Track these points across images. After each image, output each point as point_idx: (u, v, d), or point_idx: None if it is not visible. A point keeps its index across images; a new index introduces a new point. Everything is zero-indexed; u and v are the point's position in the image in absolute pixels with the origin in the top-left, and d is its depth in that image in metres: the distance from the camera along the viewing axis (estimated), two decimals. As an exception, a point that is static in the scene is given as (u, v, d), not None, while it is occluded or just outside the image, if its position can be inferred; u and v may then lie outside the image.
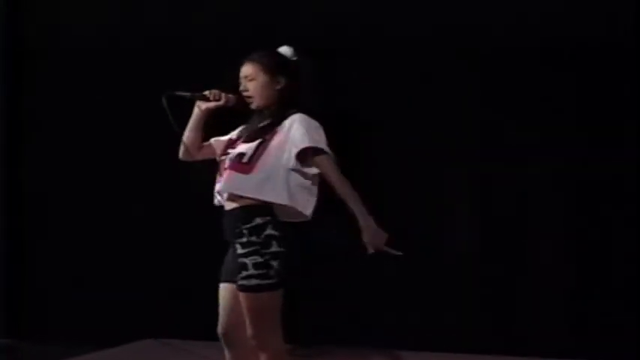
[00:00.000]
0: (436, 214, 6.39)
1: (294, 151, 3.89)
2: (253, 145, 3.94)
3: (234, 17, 6.73)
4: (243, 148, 3.97)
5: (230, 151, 4.05)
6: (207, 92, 4.21)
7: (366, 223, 3.83)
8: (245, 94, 4.09)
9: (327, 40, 6.39)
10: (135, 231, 6.88)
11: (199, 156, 4.28)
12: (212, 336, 6.63)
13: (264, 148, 3.93)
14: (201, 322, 6.72)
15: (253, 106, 4.09)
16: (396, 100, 6.37)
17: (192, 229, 6.73)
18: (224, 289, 4.12)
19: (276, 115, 4.01)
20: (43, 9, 7.15)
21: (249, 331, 3.97)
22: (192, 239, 6.74)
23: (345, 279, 6.26)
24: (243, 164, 3.93)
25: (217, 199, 4.12)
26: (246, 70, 4.08)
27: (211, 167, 4.27)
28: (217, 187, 4.07)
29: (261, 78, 4.05)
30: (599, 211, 6.13)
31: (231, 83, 4.22)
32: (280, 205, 3.90)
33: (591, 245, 6.16)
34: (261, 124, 4.02)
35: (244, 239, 3.90)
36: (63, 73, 7.07)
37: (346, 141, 4.61)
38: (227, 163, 4.01)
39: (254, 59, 4.08)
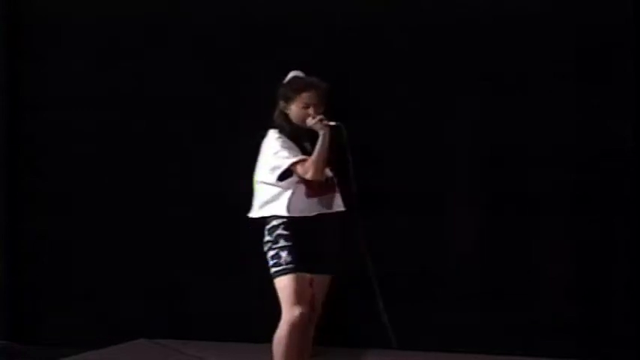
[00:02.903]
0: (436, 213, 6.40)
1: None
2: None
3: (233, 14, 6.75)
4: (329, 172, 4.71)
5: None
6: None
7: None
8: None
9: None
10: (128, 232, 6.89)
11: None
12: (204, 336, 6.69)
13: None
14: (193, 322, 6.75)
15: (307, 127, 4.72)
16: (395, 97, 6.38)
17: (186, 229, 6.77)
18: (305, 279, 4.68)
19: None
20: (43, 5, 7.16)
21: (319, 308, 4.79)
22: (185, 240, 6.78)
23: (346, 279, 6.24)
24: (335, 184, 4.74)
25: (316, 211, 4.67)
26: (320, 97, 4.70)
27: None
28: (320, 200, 4.68)
29: (323, 107, 4.72)
30: (600, 211, 6.14)
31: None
32: None
33: (592, 245, 6.17)
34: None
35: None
36: (64, 71, 7.07)
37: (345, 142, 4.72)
38: (328, 182, 4.69)
39: (325, 90, 4.74)
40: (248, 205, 4.86)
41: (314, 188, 4.66)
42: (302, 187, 4.65)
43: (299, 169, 4.62)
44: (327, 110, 4.72)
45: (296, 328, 4.60)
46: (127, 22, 6.92)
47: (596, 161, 6.14)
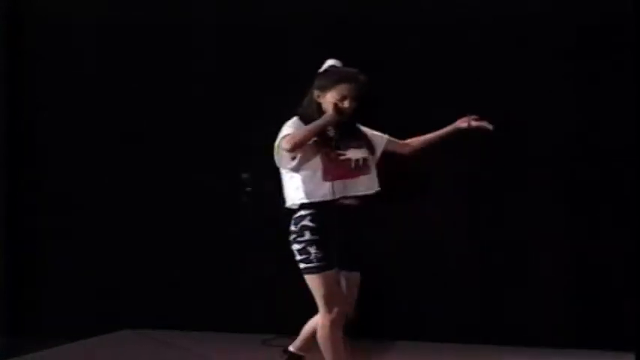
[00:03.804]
0: (437, 210, 6.41)
1: (385, 138, 4.82)
2: (363, 150, 4.61)
3: (233, 14, 6.78)
4: (362, 153, 4.60)
5: (346, 154, 4.56)
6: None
7: None
8: (349, 112, 4.56)
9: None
10: (114, 223, 6.95)
11: None
12: (188, 326, 6.67)
13: (367, 152, 4.65)
14: (177, 312, 6.77)
15: (343, 119, 4.57)
16: (393, 97, 6.37)
17: (170, 221, 6.82)
18: (337, 274, 4.57)
19: (353, 127, 4.68)
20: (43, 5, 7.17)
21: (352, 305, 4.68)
22: (169, 230, 6.83)
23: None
24: (371, 166, 4.64)
25: (340, 193, 4.55)
26: (355, 90, 4.57)
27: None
28: (347, 183, 4.56)
29: (359, 99, 4.59)
30: (597, 208, 6.18)
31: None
32: None
33: (591, 243, 6.20)
34: (352, 135, 4.63)
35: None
36: (64, 71, 7.10)
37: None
38: (352, 165, 4.56)
39: (363, 82, 4.59)
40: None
41: (333, 170, 4.53)
42: (319, 171, 4.52)
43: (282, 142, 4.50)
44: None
45: (336, 326, 4.54)
46: (127, 22, 6.93)
47: (596, 161, 6.16)
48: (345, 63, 4.65)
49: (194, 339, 6.59)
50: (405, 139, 4.97)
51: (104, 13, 6.98)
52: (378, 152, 4.76)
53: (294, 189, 4.57)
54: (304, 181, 4.53)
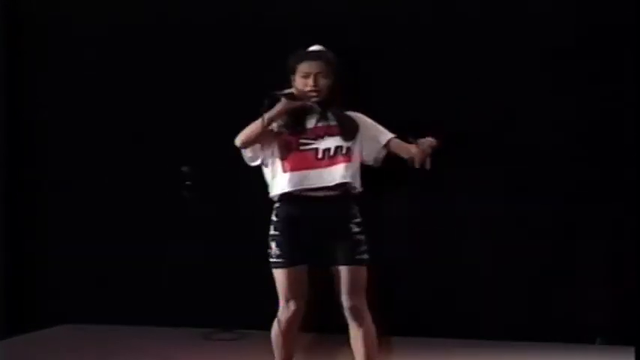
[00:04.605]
0: (440, 204, 6.43)
1: (386, 139, 4.46)
2: (338, 138, 4.38)
3: (233, 15, 6.80)
4: (336, 142, 4.37)
5: (314, 143, 4.37)
6: (294, 90, 4.42)
7: None
8: (314, 88, 4.39)
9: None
10: (112, 222, 6.95)
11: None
12: (128, 320, 6.68)
13: (352, 141, 4.40)
14: (116, 307, 6.76)
15: (313, 100, 4.41)
16: (392, 96, 6.37)
17: (111, 213, 6.89)
18: (301, 271, 4.41)
19: (338, 113, 4.44)
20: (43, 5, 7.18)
21: (354, 300, 4.39)
22: (112, 223, 6.88)
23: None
24: (345, 155, 4.37)
25: (302, 185, 4.35)
26: (318, 67, 4.40)
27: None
28: (310, 175, 4.35)
29: (331, 77, 4.41)
30: (597, 208, 6.19)
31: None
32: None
33: (590, 240, 6.25)
34: (333, 122, 4.41)
35: (358, 219, 4.42)
36: (64, 71, 7.11)
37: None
38: (319, 155, 4.35)
39: (327, 58, 4.44)
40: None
41: (292, 161, 4.35)
42: (279, 163, 4.38)
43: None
44: (339, 85, 4.42)
45: (291, 324, 4.44)
46: (127, 21, 6.94)
47: (596, 160, 6.18)
48: (344, 62, 4.57)
49: (135, 334, 6.57)
50: (402, 139, 4.93)
51: (104, 12, 6.99)
52: (374, 147, 4.45)
53: (268, 182, 4.46)
54: (271, 174, 4.43)
